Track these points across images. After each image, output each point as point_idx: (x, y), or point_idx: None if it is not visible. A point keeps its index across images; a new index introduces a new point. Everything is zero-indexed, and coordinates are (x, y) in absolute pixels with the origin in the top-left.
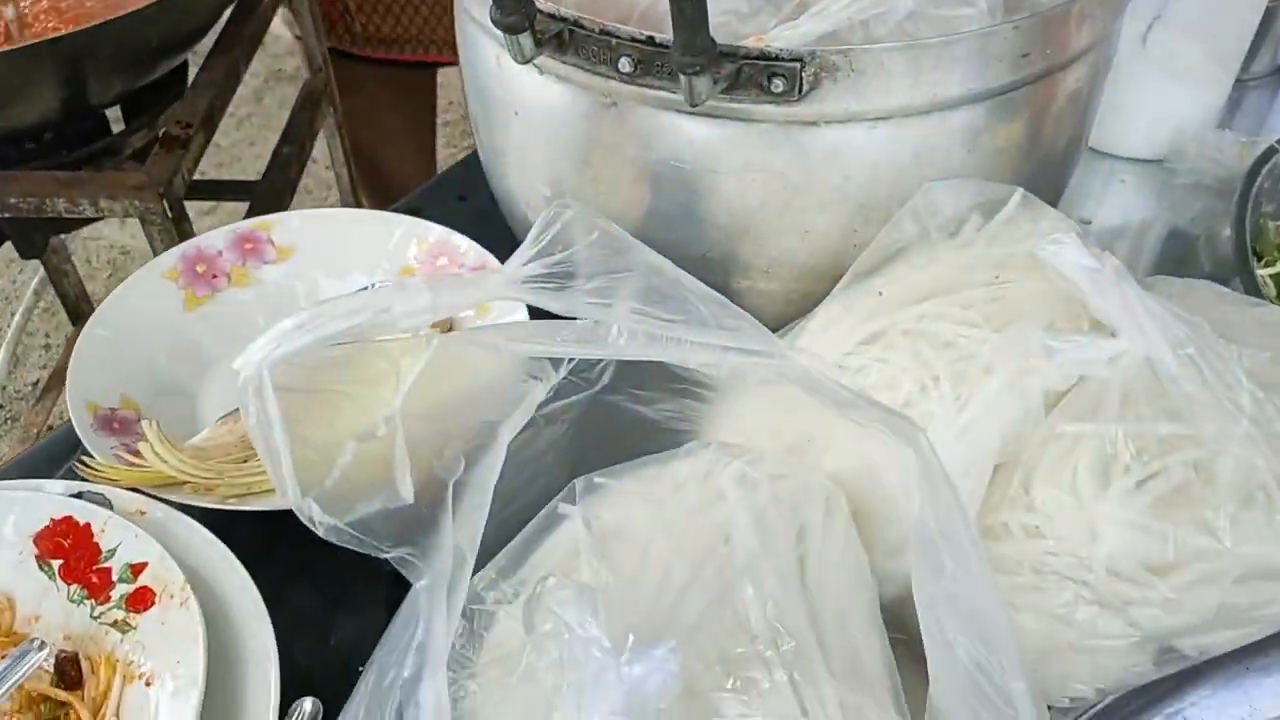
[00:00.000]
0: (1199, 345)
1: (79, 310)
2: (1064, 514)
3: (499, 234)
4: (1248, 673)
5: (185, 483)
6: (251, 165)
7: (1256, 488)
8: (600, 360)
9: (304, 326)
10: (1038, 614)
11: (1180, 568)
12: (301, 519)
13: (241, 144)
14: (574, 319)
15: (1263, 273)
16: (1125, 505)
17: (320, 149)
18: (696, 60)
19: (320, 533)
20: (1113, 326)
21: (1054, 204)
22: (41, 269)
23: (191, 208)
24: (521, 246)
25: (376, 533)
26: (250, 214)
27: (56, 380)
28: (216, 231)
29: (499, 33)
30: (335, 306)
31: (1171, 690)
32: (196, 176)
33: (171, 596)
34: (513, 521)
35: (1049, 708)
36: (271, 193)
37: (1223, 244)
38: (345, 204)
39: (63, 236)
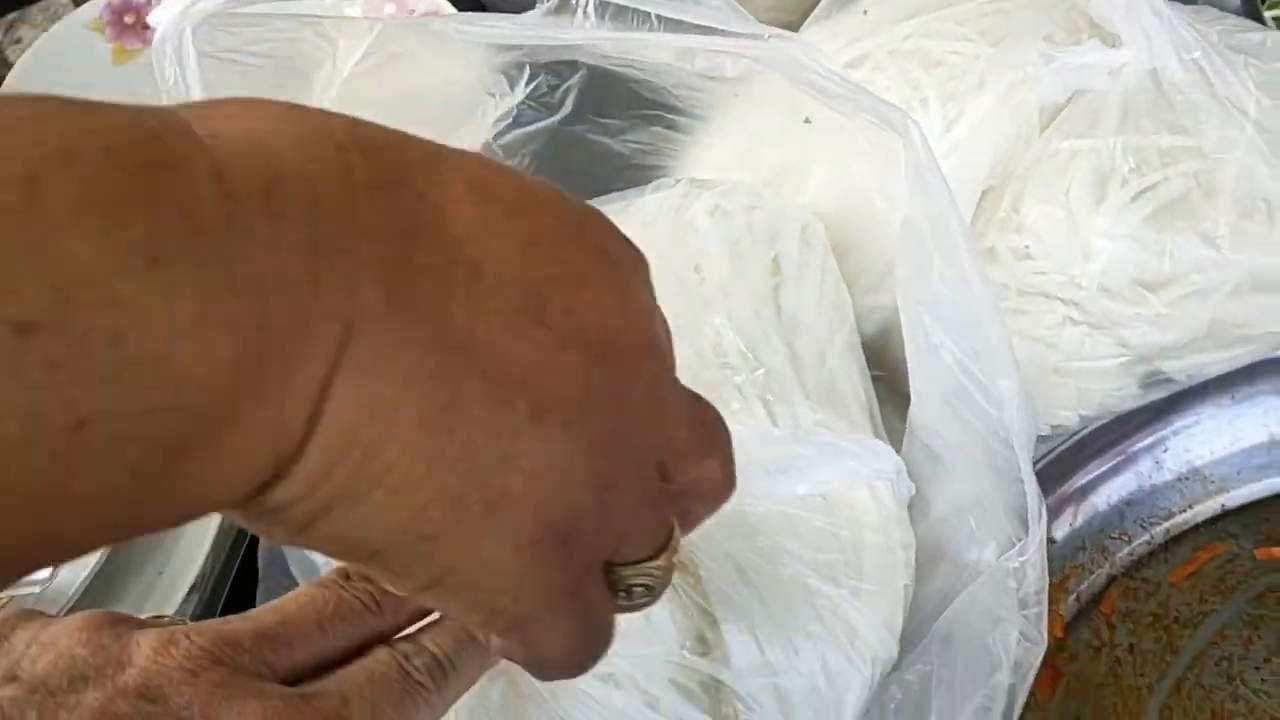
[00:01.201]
0: (1205, 50)
1: None
2: (1055, 232)
3: None
4: (1233, 402)
5: None
6: None
7: (1259, 198)
8: (562, 83)
9: None
10: (1022, 338)
11: (1176, 281)
12: None
13: None
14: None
15: (1271, 13)
16: (1120, 219)
17: None
18: None
19: None
20: (1116, 31)
21: None
22: None
23: None
24: None
25: None
26: None
27: None
28: None
29: None
30: None
31: (1156, 417)
32: None
33: None
34: None
35: None
36: None
37: None
38: None
39: None
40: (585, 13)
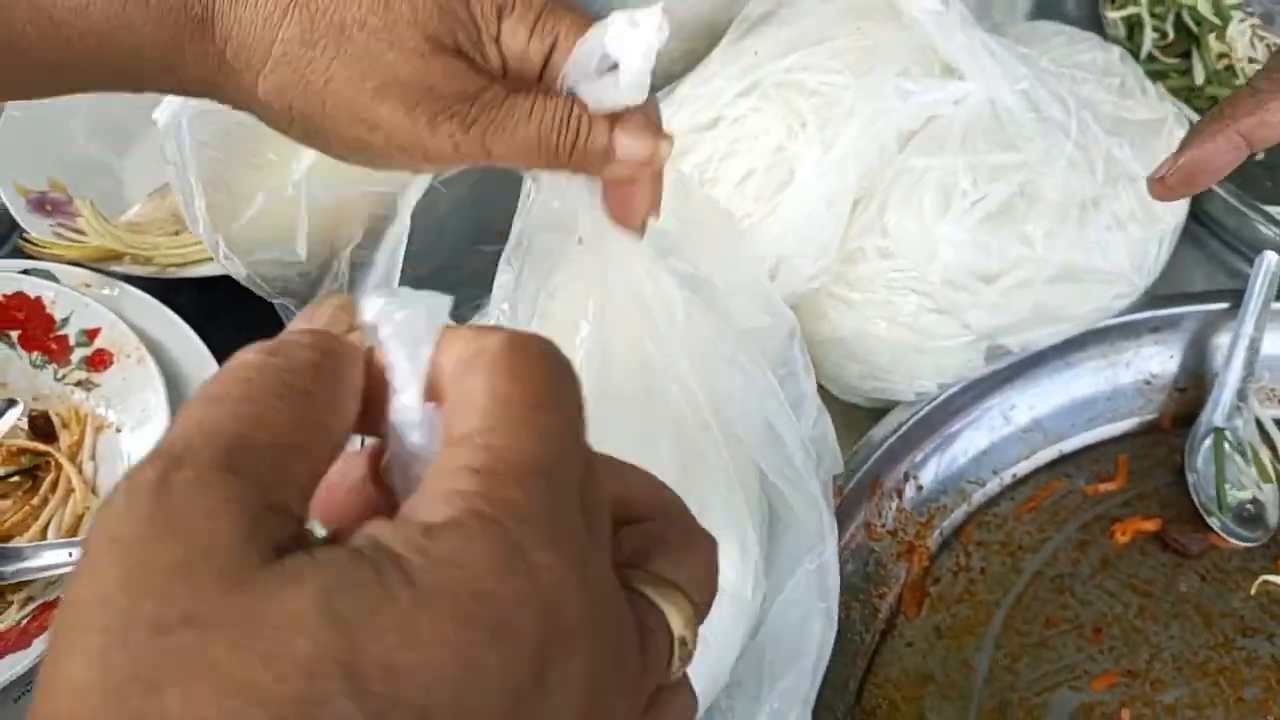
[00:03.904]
0: (1033, 81)
1: None
2: (909, 235)
3: None
4: (1068, 366)
5: (124, 254)
6: None
7: (1073, 205)
8: None
9: None
10: (889, 323)
11: (1003, 274)
12: (209, 250)
13: None
14: None
15: (1113, 15)
16: (960, 224)
17: None
18: None
19: (220, 262)
20: (959, 68)
21: None
22: None
23: None
24: None
25: (268, 279)
26: None
27: None
28: None
29: None
30: None
31: (1003, 381)
32: None
33: (128, 356)
34: (426, 282)
35: (898, 403)
36: None
37: None
38: None
39: None
40: None
